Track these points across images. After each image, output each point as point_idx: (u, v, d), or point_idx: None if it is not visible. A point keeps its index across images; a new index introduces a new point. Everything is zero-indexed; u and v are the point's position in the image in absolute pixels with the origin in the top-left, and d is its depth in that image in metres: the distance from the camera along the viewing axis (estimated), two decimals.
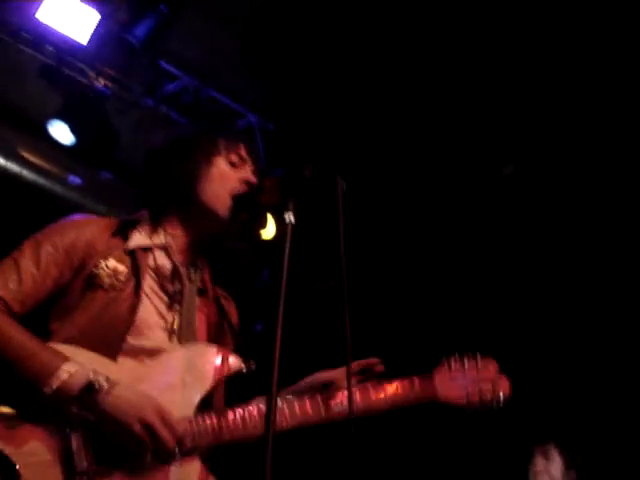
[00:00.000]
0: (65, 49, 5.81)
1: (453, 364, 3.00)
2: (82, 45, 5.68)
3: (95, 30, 5.65)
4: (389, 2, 5.59)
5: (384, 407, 2.86)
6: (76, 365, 2.42)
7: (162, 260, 2.81)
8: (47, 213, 6.22)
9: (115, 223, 2.82)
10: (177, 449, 2.48)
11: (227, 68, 6.33)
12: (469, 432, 6.36)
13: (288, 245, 2.31)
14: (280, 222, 2.44)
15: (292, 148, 6.50)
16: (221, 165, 2.91)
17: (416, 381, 2.93)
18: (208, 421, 2.58)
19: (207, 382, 2.65)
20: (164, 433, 2.43)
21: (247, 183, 2.89)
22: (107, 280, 2.64)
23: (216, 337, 2.88)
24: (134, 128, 6.40)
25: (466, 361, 3.01)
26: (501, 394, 2.95)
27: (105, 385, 2.41)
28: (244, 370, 2.73)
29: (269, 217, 3.27)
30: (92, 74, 6.01)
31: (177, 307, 2.77)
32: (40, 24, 5.57)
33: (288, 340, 2.40)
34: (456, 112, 6.23)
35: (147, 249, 2.79)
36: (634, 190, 6.16)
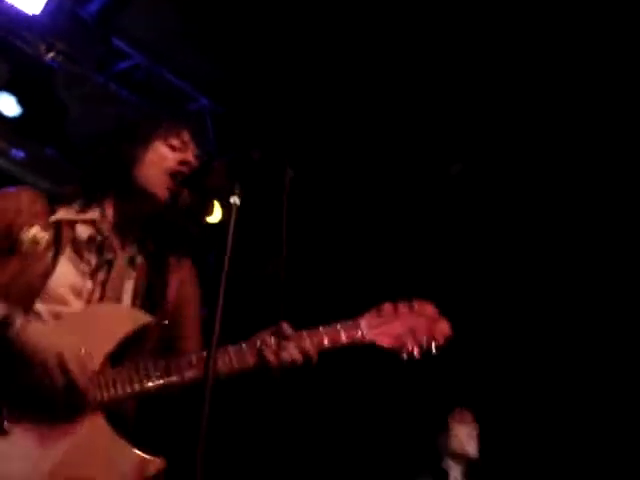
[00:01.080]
0: (15, 19, 5.70)
1: (385, 308, 2.93)
2: (33, 16, 5.58)
3: (47, 2, 5.55)
4: None
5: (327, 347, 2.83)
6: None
7: (87, 232, 2.85)
8: None
9: (45, 196, 2.89)
10: (90, 397, 2.51)
11: (180, 49, 6.28)
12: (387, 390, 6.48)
13: (232, 227, 2.32)
14: (226, 206, 2.44)
15: (242, 132, 6.47)
16: (159, 148, 2.96)
17: (340, 327, 2.87)
18: (124, 373, 2.62)
19: (113, 337, 2.66)
20: (80, 374, 2.46)
21: (185, 164, 2.93)
22: (26, 246, 2.70)
23: (148, 302, 2.88)
24: (82, 104, 6.31)
25: (400, 305, 2.94)
26: (438, 337, 2.88)
27: (21, 319, 2.47)
28: (153, 323, 2.75)
29: (215, 203, 3.27)
30: (42, 46, 5.90)
31: (101, 276, 2.80)
32: None
33: (227, 326, 2.41)
34: (406, 107, 6.26)
35: (72, 222, 2.84)
36: (583, 186, 6.28)
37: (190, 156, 2.97)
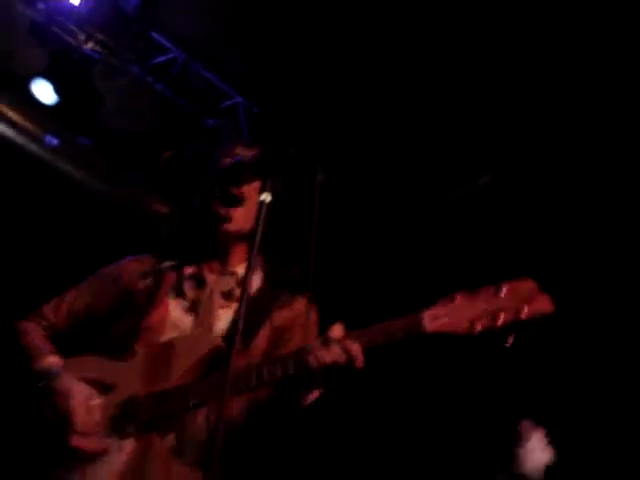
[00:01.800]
0: (57, 8, 5.75)
1: (457, 297, 2.58)
2: (74, 6, 5.63)
3: None
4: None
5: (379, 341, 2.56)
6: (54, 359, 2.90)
7: (187, 272, 3.12)
8: (17, 170, 6.18)
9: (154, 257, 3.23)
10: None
11: (218, 47, 6.30)
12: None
13: (262, 224, 2.31)
14: (257, 203, 2.43)
15: (275, 133, 6.48)
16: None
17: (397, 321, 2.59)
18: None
19: (186, 363, 2.83)
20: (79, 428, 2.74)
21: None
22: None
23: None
24: (118, 95, 6.35)
25: (482, 290, 2.56)
26: (530, 312, 2.44)
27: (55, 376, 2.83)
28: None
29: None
30: (82, 36, 5.95)
31: (198, 309, 3.01)
32: None
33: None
34: (437, 118, 6.25)
35: (174, 267, 3.14)
36: (610, 199, 6.22)
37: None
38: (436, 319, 2.53)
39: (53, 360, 2.88)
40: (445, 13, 5.51)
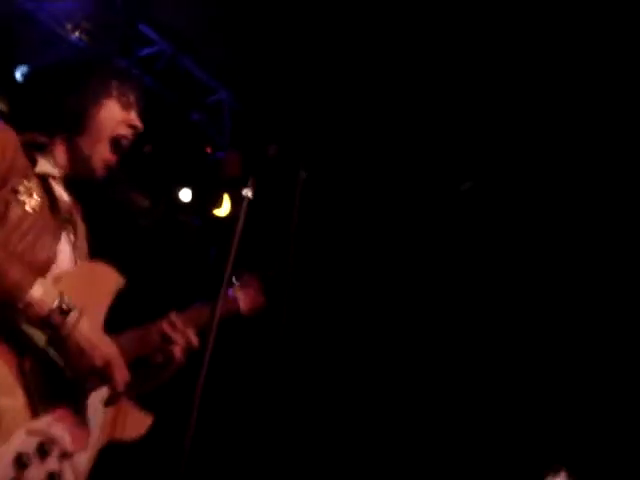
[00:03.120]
0: None
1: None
2: None
3: None
4: None
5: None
6: (46, 286, 2.32)
7: (59, 190, 2.73)
8: None
9: (21, 140, 2.62)
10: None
11: (205, 40, 6.28)
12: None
13: (242, 220, 2.29)
14: (236, 200, 2.43)
15: (258, 130, 6.47)
16: (111, 106, 2.81)
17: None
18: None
19: (106, 301, 2.66)
20: (119, 377, 2.42)
21: (132, 127, 2.85)
22: (28, 201, 2.49)
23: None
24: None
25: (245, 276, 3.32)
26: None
27: (75, 313, 2.34)
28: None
29: (225, 196, 3.27)
30: (69, 25, 5.90)
31: (72, 235, 2.72)
32: None
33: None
34: (420, 122, 6.27)
35: (51, 177, 2.69)
36: (595, 205, 6.25)
37: (137, 120, 2.88)
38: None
39: None
40: (430, 11, 5.52)
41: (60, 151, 2.75)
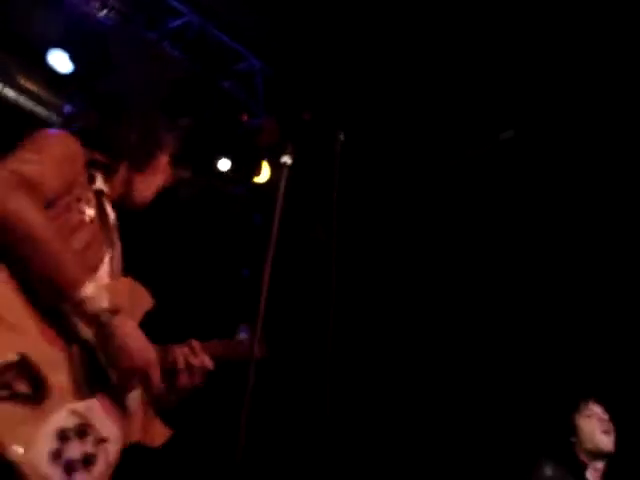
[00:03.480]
0: None
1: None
2: None
3: None
4: None
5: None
6: (98, 287, 2.48)
7: (109, 208, 2.90)
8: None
9: (82, 154, 2.75)
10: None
11: (233, 8, 6.26)
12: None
13: (283, 186, 2.31)
14: (275, 166, 2.44)
15: (292, 95, 6.45)
16: (164, 162, 3.09)
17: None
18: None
19: (138, 317, 2.79)
20: (155, 381, 2.60)
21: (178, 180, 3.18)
22: (87, 211, 2.67)
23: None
24: (135, 62, 6.34)
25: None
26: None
27: (122, 315, 2.52)
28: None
29: (264, 163, 3.27)
30: (96, 3, 5.92)
31: (111, 251, 2.85)
32: None
33: (274, 287, 2.41)
34: (457, 73, 6.19)
35: (105, 195, 2.87)
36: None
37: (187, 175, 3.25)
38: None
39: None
40: None
41: (117, 177, 2.94)
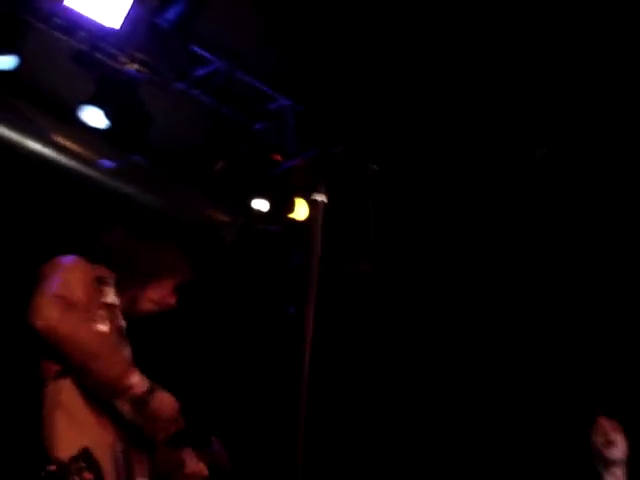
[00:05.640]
0: (97, 34, 5.82)
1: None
2: (114, 30, 5.69)
3: (127, 15, 5.65)
4: None
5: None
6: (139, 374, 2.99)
7: (120, 316, 3.24)
8: (80, 196, 6.33)
9: (92, 272, 3.16)
10: None
11: (258, 50, 6.33)
12: None
13: (319, 225, 2.33)
14: (312, 204, 2.46)
15: (323, 130, 6.48)
16: (168, 287, 3.39)
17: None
18: None
19: None
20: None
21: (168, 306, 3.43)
22: (102, 328, 3.05)
23: None
24: (166, 112, 6.44)
25: None
26: None
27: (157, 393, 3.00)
28: None
29: (299, 200, 3.29)
30: (124, 59, 6.02)
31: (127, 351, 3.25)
32: (70, 10, 5.57)
33: (320, 322, 2.42)
34: (489, 92, 6.18)
35: (114, 306, 3.21)
36: None
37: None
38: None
39: None
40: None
41: (123, 293, 3.27)
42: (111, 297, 3.19)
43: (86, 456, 2.78)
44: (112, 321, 3.12)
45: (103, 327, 3.03)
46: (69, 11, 5.59)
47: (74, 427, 2.89)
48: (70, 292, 2.94)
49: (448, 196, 6.95)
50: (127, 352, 3.18)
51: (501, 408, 6.95)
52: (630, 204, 6.35)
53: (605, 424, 4.53)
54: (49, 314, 2.78)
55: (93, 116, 6.13)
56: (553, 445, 6.44)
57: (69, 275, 3.02)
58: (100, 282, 3.15)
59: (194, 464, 3.37)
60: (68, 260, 3.11)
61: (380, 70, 6.14)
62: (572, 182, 6.49)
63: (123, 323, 3.25)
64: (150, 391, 2.96)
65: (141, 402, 2.95)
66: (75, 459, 2.75)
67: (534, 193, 6.68)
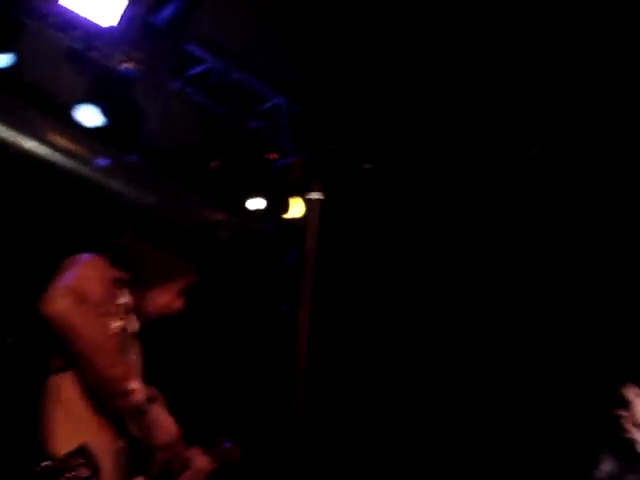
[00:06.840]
0: (92, 33, 5.82)
1: None
2: (108, 29, 5.69)
3: (122, 14, 5.65)
4: None
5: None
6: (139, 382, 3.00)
7: (133, 317, 3.29)
8: (75, 195, 6.34)
9: (111, 272, 3.19)
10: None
11: (253, 49, 6.34)
12: None
13: (314, 223, 2.35)
14: (307, 202, 2.48)
15: (318, 129, 6.49)
16: (176, 290, 3.42)
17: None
18: None
19: None
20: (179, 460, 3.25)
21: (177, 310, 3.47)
22: (113, 325, 3.11)
23: None
24: (161, 111, 6.45)
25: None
26: None
27: (156, 403, 3.06)
28: None
29: (295, 199, 3.31)
30: (119, 57, 6.03)
31: (136, 350, 3.33)
32: (65, 9, 5.58)
33: (316, 319, 2.44)
34: (482, 90, 6.20)
35: (130, 307, 3.26)
36: None
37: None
38: None
39: None
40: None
41: (136, 296, 3.29)
42: (126, 299, 3.22)
43: (84, 452, 2.79)
44: (124, 323, 3.15)
45: (113, 326, 3.06)
46: (64, 10, 5.59)
47: (72, 423, 2.90)
48: (86, 287, 2.94)
49: (443, 194, 6.97)
50: (135, 357, 3.24)
51: (500, 407, 6.97)
52: (626, 201, 6.37)
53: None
54: (61, 303, 2.77)
55: (88, 115, 6.13)
56: (553, 445, 6.48)
57: (88, 271, 3.04)
58: (117, 283, 3.18)
59: (199, 461, 3.40)
60: (90, 257, 3.14)
61: (374, 68, 6.15)
62: (568, 181, 6.51)
63: (137, 326, 3.30)
64: (150, 401, 2.99)
65: (140, 411, 2.96)
66: (73, 455, 2.77)
67: (528, 190, 6.70)
